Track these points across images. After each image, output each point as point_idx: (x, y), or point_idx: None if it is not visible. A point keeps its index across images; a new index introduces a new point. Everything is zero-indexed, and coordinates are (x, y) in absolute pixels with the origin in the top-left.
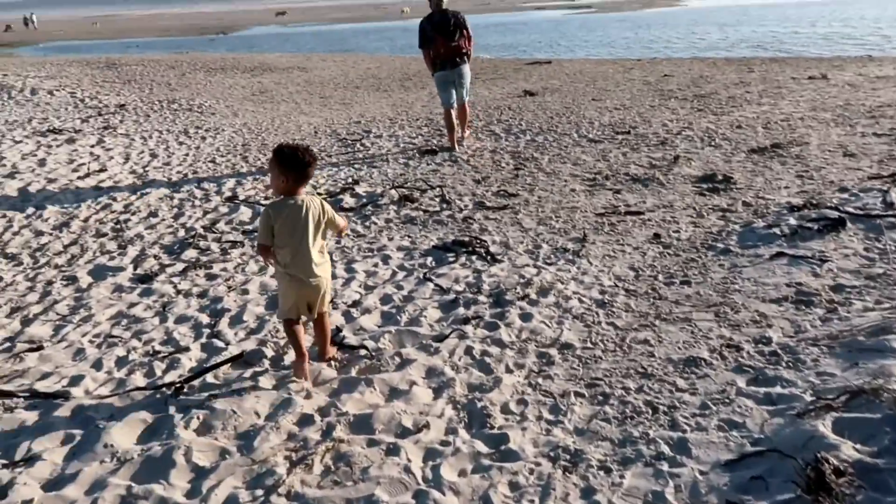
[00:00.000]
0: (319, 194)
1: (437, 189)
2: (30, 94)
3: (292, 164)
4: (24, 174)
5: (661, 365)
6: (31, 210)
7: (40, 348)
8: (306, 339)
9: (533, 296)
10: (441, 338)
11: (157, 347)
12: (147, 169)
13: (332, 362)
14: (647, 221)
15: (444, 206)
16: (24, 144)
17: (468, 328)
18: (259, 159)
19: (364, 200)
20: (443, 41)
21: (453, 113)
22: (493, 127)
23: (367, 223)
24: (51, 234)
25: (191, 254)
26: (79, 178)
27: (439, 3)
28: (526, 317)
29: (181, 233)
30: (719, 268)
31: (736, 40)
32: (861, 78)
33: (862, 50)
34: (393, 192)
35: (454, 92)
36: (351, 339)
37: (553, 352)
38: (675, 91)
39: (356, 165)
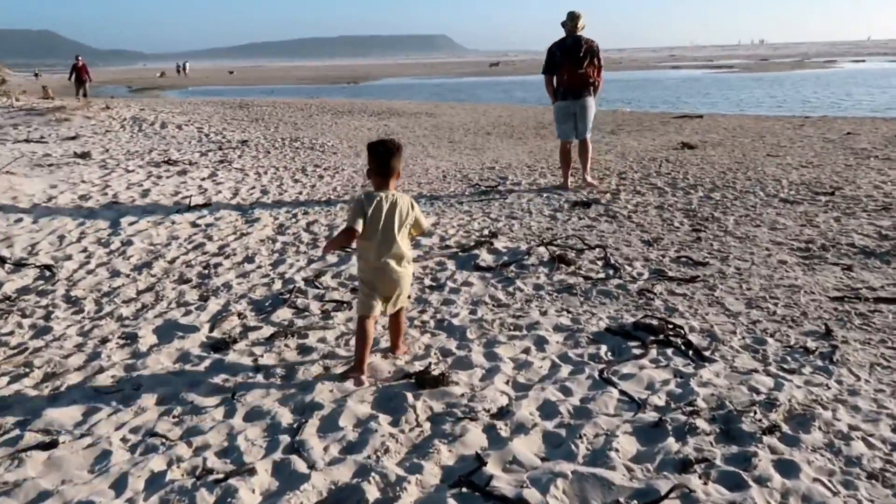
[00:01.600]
0: (449, 246)
1: (598, 249)
2: (159, 127)
3: (374, 152)
4: (123, 205)
5: None
6: (116, 244)
7: (53, 445)
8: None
9: (784, 426)
10: (652, 497)
11: (211, 462)
12: (254, 206)
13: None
14: None
15: (611, 272)
16: (134, 174)
17: (693, 480)
18: None
19: (505, 258)
20: (569, 67)
21: (572, 149)
22: (653, 180)
23: (511, 288)
24: (127, 276)
25: (284, 314)
26: (177, 211)
27: (574, 26)
28: (786, 468)
29: (277, 285)
30: None
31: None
32: None
33: None
34: (542, 249)
35: (574, 126)
36: (501, 484)
37: None
38: (870, 150)
39: (492, 215)
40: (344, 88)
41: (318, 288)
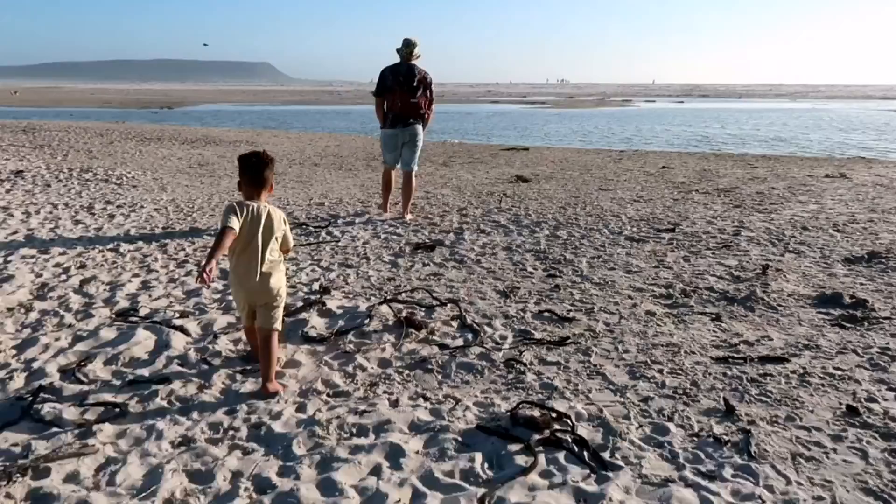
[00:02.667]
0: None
1: (450, 305)
2: None
3: (244, 164)
4: None
5: None
6: None
7: None
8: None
9: None
10: None
11: None
12: (10, 259)
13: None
14: (807, 377)
15: (469, 336)
16: None
17: None
18: (183, 248)
19: (341, 324)
20: (402, 95)
21: (393, 174)
22: (495, 216)
23: (351, 367)
24: None
25: (17, 435)
26: None
27: (409, 53)
28: None
29: (17, 382)
30: None
31: (691, 137)
32: (884, 178)
33: (797, 149)
34: (385, 308)
35: (400, 154)
36: None
37: None
38: (689, 184)
39: (323, 263)
40: (155, 114)
41: (81, 382)
